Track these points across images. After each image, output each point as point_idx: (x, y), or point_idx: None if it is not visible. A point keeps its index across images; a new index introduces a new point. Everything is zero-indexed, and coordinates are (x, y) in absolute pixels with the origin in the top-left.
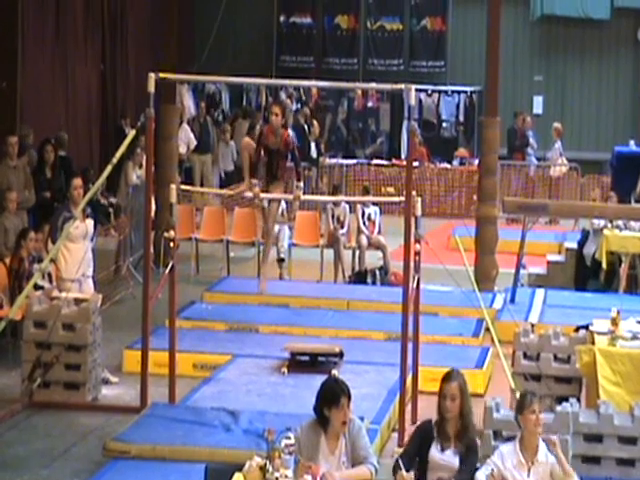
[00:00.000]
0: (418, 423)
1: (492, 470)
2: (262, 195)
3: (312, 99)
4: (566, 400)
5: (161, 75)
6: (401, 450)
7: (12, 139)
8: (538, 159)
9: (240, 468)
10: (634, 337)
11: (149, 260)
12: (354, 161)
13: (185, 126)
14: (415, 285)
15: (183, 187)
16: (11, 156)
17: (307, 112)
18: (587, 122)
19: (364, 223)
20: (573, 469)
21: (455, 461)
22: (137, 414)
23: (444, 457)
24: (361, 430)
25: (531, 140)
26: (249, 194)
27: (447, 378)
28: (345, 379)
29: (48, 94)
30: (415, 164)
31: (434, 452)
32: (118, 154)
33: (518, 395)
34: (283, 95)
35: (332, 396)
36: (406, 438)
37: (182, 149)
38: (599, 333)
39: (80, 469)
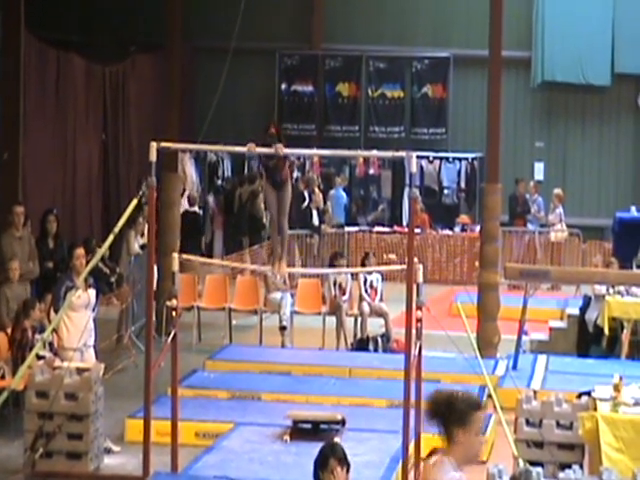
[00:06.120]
0: None
1: None
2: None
3: (314, 167)
4: (569, 467)
5: (163, 144)
6: None
7: (18, 209)
8: (543, 226)
9: None
10: (636, 403)
11: (151, 329)
12: (356, 228)
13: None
14: (417, 352)
15: (185, 256)
16: (17, 226)
17: (308, 180)
18: (588, 188)
19: (366, 290)
20: None
21: None
22: None
23: None
24: None
25: (535, 207)
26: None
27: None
28: (347, 447)
29: (49, 164)
30: (417, 231)
31: None
32: (120, 223)
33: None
34: None
35: (321, 459)
36: None
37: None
38: (601, 399)
39: None
